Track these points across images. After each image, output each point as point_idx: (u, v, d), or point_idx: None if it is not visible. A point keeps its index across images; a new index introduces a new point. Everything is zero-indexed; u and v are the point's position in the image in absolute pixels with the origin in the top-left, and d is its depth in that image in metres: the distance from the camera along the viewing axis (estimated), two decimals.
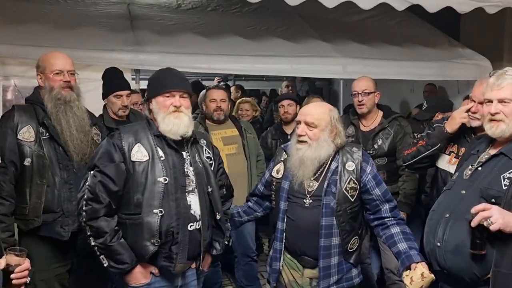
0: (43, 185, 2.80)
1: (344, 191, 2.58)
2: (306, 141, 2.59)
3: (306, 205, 2.62)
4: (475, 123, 2.93)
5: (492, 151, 2.34)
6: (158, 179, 2.43)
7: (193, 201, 2.51)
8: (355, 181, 2.61)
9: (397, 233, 2.59)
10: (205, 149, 2.69)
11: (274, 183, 2.74)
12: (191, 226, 2.47)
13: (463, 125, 3.03)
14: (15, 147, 2.78)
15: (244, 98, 5.70)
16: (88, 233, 2.41)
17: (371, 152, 3.70)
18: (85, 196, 2.41)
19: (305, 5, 3.85)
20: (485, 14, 4.15)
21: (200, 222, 2.50)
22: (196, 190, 2.52)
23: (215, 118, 4.04)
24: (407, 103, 6.44)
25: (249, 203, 3.04)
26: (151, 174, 2.44)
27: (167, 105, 2.48)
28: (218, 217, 2.61)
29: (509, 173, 2.19)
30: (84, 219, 2.41)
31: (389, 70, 4.68)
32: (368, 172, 2.64)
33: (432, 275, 2.34)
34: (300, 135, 2.61)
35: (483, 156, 2.36)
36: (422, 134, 3.26)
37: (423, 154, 3.11)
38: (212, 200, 2.59)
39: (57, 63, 2.90)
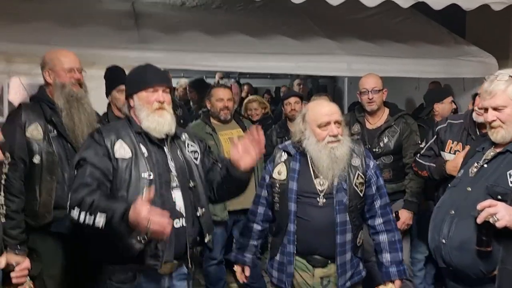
0: (53, 181, 2.82)
1: (354, 186, 2.63)
2: (339, 139, 2.62)
3: (319, 204, 2.61)
4: (480, 118, 2.94)
5: (498, 149, 2.33)
6: (143, 175, 2.36)
7: (177, 197, 2.42)
8: (362, 176, 2.66)
9: (384, 242, 2.71)
10: (188, 144, 2.59)
11: (278, 185, 2.71)
12: (176, 223, 2.38)
13: (468, 123, 3.03)
14: (24, 144, 2.79)
15: (251, 97, 5.69)
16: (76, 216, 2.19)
17: (377, 150, 3.69)
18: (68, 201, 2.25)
19: (310, 3, 3.85)
20: (491, 11, 4.13)
21: (184, 218, 2.42)
22: (179, 185, 2.44)
23: (222, 117, 4.03)
24: (412, 101, 6.41)
25: (257, 226, 2.85)
26: (135, 171, 2.36)
27: (151, 101, 2.41)
28: (198, 213, 2.47)
29: None
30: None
31: (394, 67, 4.66)
32: (371, 166, 2.71)
33: None
34: (335, 135, 2.60)
35: (489, 153, 2.35)
36: (423, 150, 3.33)
37: (428, 181, 3.33)
38: (194, 195, 2.47)
39: (67, 61, 2.92)
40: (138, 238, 2.27)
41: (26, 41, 3.87)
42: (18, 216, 2.75)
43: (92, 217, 2.15)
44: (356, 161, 2.67)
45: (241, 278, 2.87)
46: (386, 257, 2.69)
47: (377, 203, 2.71)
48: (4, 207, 2.71)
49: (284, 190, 2.66)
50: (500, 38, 5.12)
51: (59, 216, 2.82)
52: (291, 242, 2.63)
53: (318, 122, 2.63)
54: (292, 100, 4.54)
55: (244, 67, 4.83)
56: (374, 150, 3.68)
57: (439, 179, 3.19)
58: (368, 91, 3.75)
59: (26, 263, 2.00)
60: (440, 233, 2.31)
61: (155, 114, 2.42)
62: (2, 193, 2.74)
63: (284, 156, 2.74)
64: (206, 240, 2.50)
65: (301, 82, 7.02)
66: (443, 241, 2.29)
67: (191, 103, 6.55)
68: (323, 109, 2.68)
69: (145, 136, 2.45)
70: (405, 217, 3.70)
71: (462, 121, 3.22)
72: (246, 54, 4.50)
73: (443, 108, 4.26)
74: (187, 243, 2.41)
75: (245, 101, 5.59)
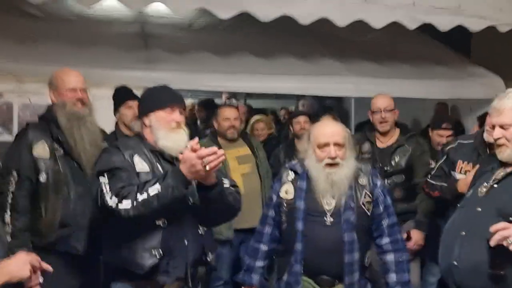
0: (59, 200, 2.82)
1: (362, 205, 2.61)
2: (338, 163, 2.57)
3: (327, 223, 2.59)
4: (490, 138, 2.93)
5: (508, 168, 2.31)
6: None
7: (185, 213, 2.40)
8: (370, 195, 2.64)
9: (391, 262, 2.68)
10: None
11: (285, 205, 2.68)
12: (185, 240, 2.36)
13: (479, 143, 3.05)
14: (31, 162, 2.80)
15: (258, 118, 5.70)
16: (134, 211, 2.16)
17: (388, 168, 3.67)
18: (108, 201, 2.22)
19: (317, 24, 3.89)
20: (496, 33, 4.16)
21: (190, 236, 2.39)
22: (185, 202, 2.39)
23: (228, 136, 4.04)
24: (418, 122, 6.42)
25: (263, 247, 2.80)
26: None
27: (168, 120, 2.42)
28: (199, 231, 2.44)
29: None
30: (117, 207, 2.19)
31: (401, 88, 4.67)
32: (378, 185, 2.69)
33: None
34: (334, 158, 2.57)
35: (499, 173, 2.33)
36: (434, 171, 3.32)
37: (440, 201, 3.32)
38: (196, 212, 2.43)
39: (70, 81, 2.94)
40: (153, 252, 2.28)
41: (36, 61, 3.93)
42: (24, 235, 2.75)
43: (145, 193, 2.18)
44: (363, 180, 2.65)
45: None
46: (393, 277, 2.66)
47: (385, 223, 2.69)
48: (10, 226, 2.71)
49: (292, 209, 2.64)
50: (506, 59, 5.14)
51: (64, 234, 2.82)
52: (298, 261, 2.60)
53: (317, 142, 2.61)
54: (302, 119, 4.54)
55: (251, 88, 4.88)
56: (385, 168, 3.66)
57: (451, 199, 3.15)
58: (381, 110, 3.73)
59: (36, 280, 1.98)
60: (451, 254, 2.27)
61: (173, 133, 2.42)
62: (8, 211, 2.75)
63: (292, 175, 2.72)
64: (209, 259, 2.47)
65: (305, 103, 7.03)
66: (455, 263, 2.25)
67: (198, 122, 6.57)
68: (324, 129, 2.65)
69: (158, 154, 2.45)
70: (417, 237, 3.66)
71: (472, 141, 3.21)
72: (253, 75, 4.54)
73: (439, 135, 4.24)
74: (187, 261, 2.38)
75: (252, 121, 5.60)
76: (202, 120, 6.51)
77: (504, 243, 2.00)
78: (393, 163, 3.70)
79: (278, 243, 2.82)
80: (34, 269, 1.92)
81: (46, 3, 4.21)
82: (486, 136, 3.03)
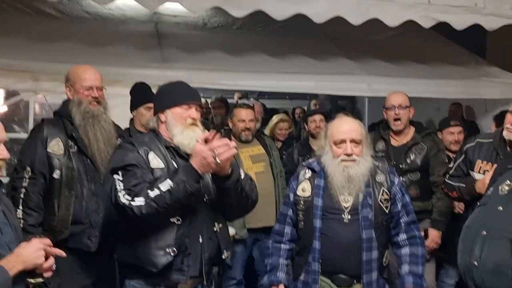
0: (72, 196, 2.84)
1: (380, 202, 2.59)
2: (354, 159, 2.58)
3: (345, 220, 2.57)
4: (511, 136, 2.91)
5: None
6: None
7: (199, 211, 2.39)
8: (387, 192, 2.63)
9: (405, 254, 2.65)
10: None
11: (302, 202, 2.67)
12: (200, 238, 2.36)
13: (498, 142, 3.03)
14: (45, 159, 2.82)
15: (281, 117, 5.68)
16: (147, 209, 2.15)
17: (403, 166, 3.65)
18: (121, 198, 2.20)
19: (330, 23, 3.88)
20: (511, 32, 4.12)
21: (205, 233, 2.38)
22: (199, 199, 2.38)
23: (243, 138, 4.03)
24: (432, 122, 6.37)
25: (285, 246, 2.77)
26: None
27: (184, 117, 2.41)
28: (215, 228, 2.42)
29: None
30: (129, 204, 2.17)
31: (415, 88, 4.64)
32: (396, 183, 2.69)
33: None
34: (349, 154, 2.57)
35: None
36: (451, 170, 3.29)
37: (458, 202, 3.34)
38: (210, 209, 2.42)
39: (87, 79, 2.95)
40: (168, 250, 2.26)
41: (52, 59, 3.95)
42: (36, 231, 2.76)
43: (156, 189, 2.16)
44: (381, 177, 2.65)
45: None
46: (405, 268, 2.62)
47: (403, 220, 2.67)
48: (22, 221, 2.72)
49: (309, 207, 2.62)
50: None
51: (76, 231, 2.84)
52: (316, 259, 2.58)
53: (334, 138, 2.61)
54: (317, 117, 4.53)
55: (264, 86, 4.86)
56: (400, 166, 3.63)
57: (469, 199, 3.10)
58: (395, 107, 3.71)
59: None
60: (472, 254, 2.21)
61: (189, 130, 2.41)
62: (21, 207, 2.77)
63: (308, 173, 2.71)
64: (224, 257, 2.45)
65: (317, 102, 7.01)
66: (475, 263, 2.19)
67: (214, 120, 6.53)
68: (342, 126, 2.65)
69: (173, 151, 2.43)
70: (434, 235, 3.63)
71: (491, 140, 3.13)
72: (266, 73, 4.53)
73: (445, 139, 4.20)
74: (203, 259, 2.36)
75: (275, 120, 5.58)
76: (218, 118, 6.47)
77: None
78: (408, 161, 3.68)
79: (296, 242, 2.79)
80: (47, 254, 1.93)
81: (62, 2, 4.25)
82: (507, 134, 2.97)
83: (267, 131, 5.49)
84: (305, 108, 7.25)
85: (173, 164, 2.39)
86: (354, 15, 3.78)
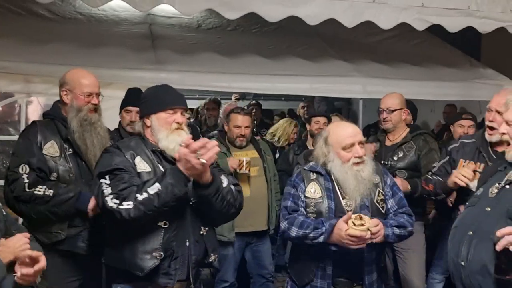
0: None
1: (376, 203, 2.63)
2: (364, 160, 2.63)
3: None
4: (491, 137, 3.01)
5: None
6: None
7: (186, 214, 2.39)
8: (382, 193, 2.68)
9: (392, 207, 2.70)
10: None
11: (313, 204, 2.64)
12: (187, 241, 2.36)
13: (481, 141, 3.13)
14: (44, 159, 2.80)
15: (294, 122, 5.72)
16: (135, 212, 2.17)
17: (388, 163, 3.67)
18: (108, 202, 2.20)
19: (325, 25, 3.87)
20: (506, 34, 4.11)
21: (191, 237, 2.38)
22: (186, 203, 2.38)
23: (237, 144, 4.02)
24: (427, 123, 6.39)
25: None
26: None
27: (169, 121, 2.42)
28: (201, 232, 2.42)
29: None
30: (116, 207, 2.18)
31: (410, 90, 4.63)
32: (388, 183, 2.74)
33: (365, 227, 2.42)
34: (360, 156, 2.61)
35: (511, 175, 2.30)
36: (434, 169, 3.35)
37: (432, 197, 3.39)
38: (196, 212, 2.41)
39: (87, 85, 2.93)
40: (154, 254, 2.26)
41: (44, 61, 3.93)
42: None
43: (145, 193, 2.19)
44: (376, 179, 2.69)
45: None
46: (390, 219, 2.65)
47: (396, 211, 2.70)
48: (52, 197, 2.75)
49: (320, 209, 2.61)
50: None
51: (72, 234, 2.83)
52: (331, 264, 2.59)
53: (342, 144, 2.63)
54: (322, 120, 4.59)
55: (259, 88, 4.86)
56: (385, 163, 3.65)
57: (441, 194, 3.24)
58: (383, 110, 3.79)
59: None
60: (459, 255, 2.24)
61: (174, 134, 2.41)
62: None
63: (313, 175, 2.70)
64: (211, 260, 2.45)
65: (305, 104, 7.01)
66: (462, 263, 2.22)
67: (207, 121, 6.49)
68: (346, 131, 2.68)
69: (159, 154, 2.44)
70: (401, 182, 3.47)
71: (474, 140, 3.24)
72: (261, 76, 4.52)
73: (454, 132, 4.25)
74: (189, 263, 2.36)
75: (291, 125, 5.54)
76: (211, 120, 6.44)
77: (510, 248, 1.96)
78: (395, 158, 3.71)
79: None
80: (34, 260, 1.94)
81: (55, 3, 4.22)
82: (487, 135, 3.08)
83: (283, 138, 5.51)
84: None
85: (159, 168, 2.39)
86: (347, 17, 3.77)
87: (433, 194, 3.34)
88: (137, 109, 3.22)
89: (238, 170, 3.85)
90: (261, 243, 4.10)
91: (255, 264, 4.11)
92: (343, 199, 2.63)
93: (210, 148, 2.18)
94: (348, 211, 2.59)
